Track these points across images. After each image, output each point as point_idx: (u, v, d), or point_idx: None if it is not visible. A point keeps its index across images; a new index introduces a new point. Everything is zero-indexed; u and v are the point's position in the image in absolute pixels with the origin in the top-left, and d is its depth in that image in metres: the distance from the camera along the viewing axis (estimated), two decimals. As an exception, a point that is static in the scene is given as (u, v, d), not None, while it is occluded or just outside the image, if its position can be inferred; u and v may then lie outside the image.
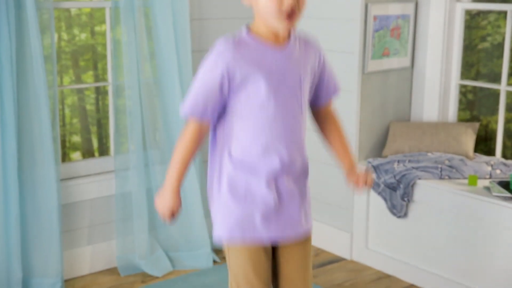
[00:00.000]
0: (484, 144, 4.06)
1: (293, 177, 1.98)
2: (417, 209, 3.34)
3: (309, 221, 2.03)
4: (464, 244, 3.17)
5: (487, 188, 3.15)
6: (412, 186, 3.31)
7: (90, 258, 3.52)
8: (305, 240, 2.05)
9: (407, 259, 3.44)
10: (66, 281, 3.40)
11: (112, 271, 3.55)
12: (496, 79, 3.85)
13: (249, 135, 1.93)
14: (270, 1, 1.86)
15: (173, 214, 1.98)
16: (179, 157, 1.98)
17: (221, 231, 1.96)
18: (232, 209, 1.92)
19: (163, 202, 1.98)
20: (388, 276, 3.50)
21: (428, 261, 3.34)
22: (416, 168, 3.37)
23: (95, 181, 3.48)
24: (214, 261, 3.67)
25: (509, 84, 3.47)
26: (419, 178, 3.30)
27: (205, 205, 3.73)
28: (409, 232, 3.40)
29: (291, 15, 1.89)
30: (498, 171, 3.32)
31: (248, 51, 1.92)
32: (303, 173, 2.03)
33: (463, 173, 3.33)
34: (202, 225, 3.64)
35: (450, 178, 3.32)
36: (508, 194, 3.00)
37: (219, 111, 1.96)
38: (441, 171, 3.32)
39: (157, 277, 3.48)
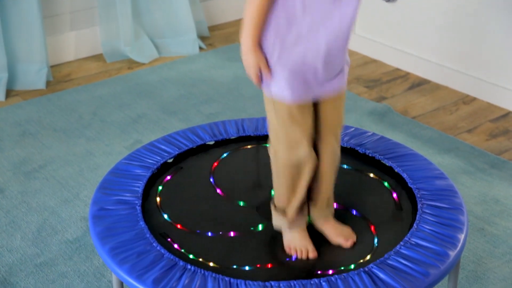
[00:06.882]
0: None
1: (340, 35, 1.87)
2: (406, -8, 3.28)
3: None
4: (451, 29, 3.15)
5: (480, -32, 3.06)
6: (403, -33, 3.21)
7: (75, 44, 3.47)
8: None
9: (394, 44, 3.43)
10: (52, 67, 3.39)
11: (98, 57, 3.53)
12: None
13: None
14: None
15: (265, 69, 1.85)
16: (250, 17, 1.79)
17: (277, 89, 1.87)
18: (291, 69, 1.81)
19: (248, 63, 1.85)
20: (374, 61, 3.51)
21: (415, 46, 3.34)
22: (408, -51, 3.25)
23: (73, -36, 3.35)
24: (200, 48, 3.65)
25: None
26: (411, -41, 3.19)
27: (189, -10, 3.63)
28: (397, 17, 3.36)
29: None
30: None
31: None
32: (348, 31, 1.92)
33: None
34: (187, 11, 3.56)
35: (442, -42, 3.21)
36: (500, -27, 2.92)
37: None
38: (433, -49, 3.20)
39: (143, 64, 3.47)
